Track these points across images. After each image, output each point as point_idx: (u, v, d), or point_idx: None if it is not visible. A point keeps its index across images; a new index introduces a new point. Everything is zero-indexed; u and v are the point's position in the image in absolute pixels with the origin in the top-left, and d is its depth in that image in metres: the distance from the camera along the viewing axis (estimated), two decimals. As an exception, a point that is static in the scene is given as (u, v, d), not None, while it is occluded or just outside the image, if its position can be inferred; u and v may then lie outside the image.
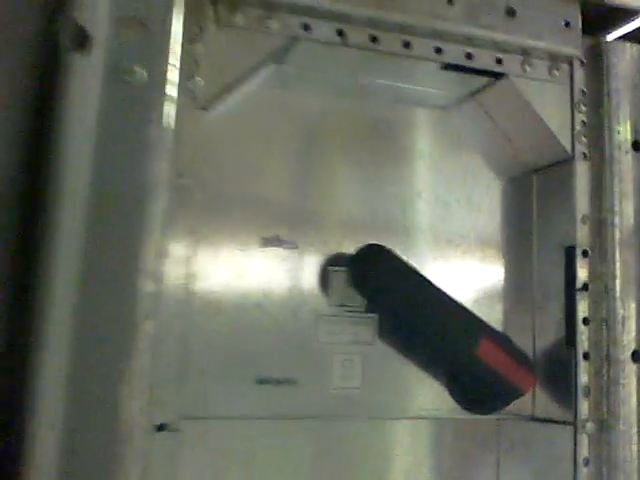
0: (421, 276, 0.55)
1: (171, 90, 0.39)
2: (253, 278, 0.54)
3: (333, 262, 0.56)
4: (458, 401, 0.57)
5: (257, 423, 0.52)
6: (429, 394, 0.58)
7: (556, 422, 0.57)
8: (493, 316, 0.60)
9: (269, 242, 0.54)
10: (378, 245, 0.55)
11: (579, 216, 0.56)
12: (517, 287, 0.62)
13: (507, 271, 0.63)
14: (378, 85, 0.57)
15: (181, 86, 0.40)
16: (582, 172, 0.57)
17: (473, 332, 0.54)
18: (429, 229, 0.60)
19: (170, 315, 0.42)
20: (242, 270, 0.53)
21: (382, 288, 0.54)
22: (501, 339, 0.55)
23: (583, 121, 0.57)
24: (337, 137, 0.58)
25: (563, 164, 0.58)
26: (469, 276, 0.61)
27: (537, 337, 0.61)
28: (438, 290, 0.55)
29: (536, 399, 0.61)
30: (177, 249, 0.44)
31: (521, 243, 0.62)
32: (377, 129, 0.59)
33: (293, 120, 0.56)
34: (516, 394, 0.55)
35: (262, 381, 0.53)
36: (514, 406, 0.58)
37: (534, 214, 0.62)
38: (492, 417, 0.59)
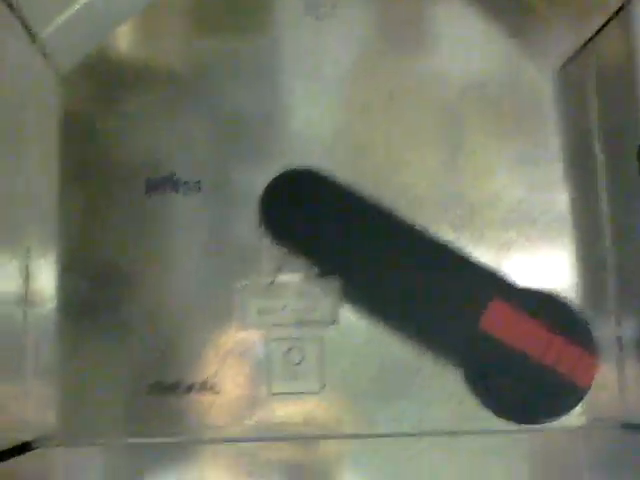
0: (382, 209, 0.35)
1: None
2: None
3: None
4: (484, 404, 0.36)
5: (146, 452, 0.35)
6: (443, 394, 0.37)
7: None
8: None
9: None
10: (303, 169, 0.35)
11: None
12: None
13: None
14: None
15: None
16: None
17: (475, 291, 0.33)
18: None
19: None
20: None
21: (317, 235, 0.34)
22: (529, 299, 0.34)
23: None
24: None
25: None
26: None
27: (619, 298, 0.38)
28: (414, 229, 0.35)
29: (627, 396, 0.38)
30: None
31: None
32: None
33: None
34: (570, 392, 0.33)
35: (158, 389, 0.35)
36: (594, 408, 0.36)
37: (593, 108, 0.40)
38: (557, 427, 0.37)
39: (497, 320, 0.32)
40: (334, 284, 0.36)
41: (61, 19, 0.37)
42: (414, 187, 0.38)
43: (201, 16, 0.40)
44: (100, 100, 0.38)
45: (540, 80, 0.40)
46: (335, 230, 0.34)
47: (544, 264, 0.38)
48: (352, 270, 0.35)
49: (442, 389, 0.36)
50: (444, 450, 0.37)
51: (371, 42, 0.40)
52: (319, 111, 0.39)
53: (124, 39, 0.39)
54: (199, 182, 0.37)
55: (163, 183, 0.37)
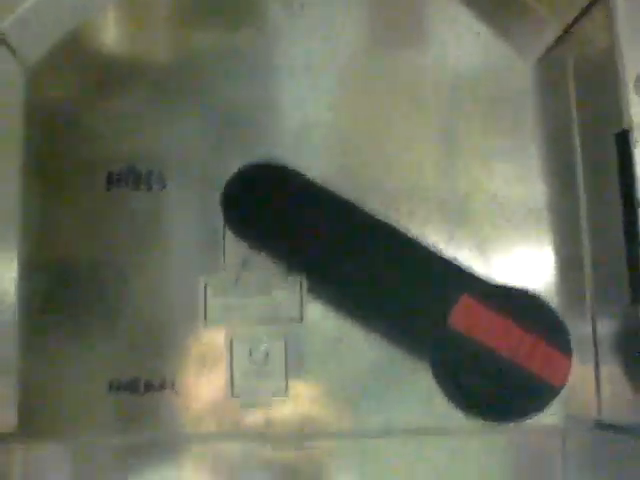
0: (348, 204, 0.34)
1: None
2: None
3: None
4: (455, 402, 0.35)
5: (107, 455, 0.34)
6: (413, 393, 0.36)
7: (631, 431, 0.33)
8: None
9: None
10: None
11: (630, 77, 0.33)
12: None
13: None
14: None
15: None
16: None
17: (443, 288, 0.32)
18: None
19: None
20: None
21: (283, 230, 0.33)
22: (500, 295, 0.33)
23: None
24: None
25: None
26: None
27: (596, 294, 0.37)
28: (382, 224, 0.34)
29: (602, 395, 0.37)
30: None
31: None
32: None
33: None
34: (543, 391, 0.32)
35: (118, 388, 0.34)
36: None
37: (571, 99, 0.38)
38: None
39: (466, 317, 0.31)
40: (300, 281, 0.35)
41: (21, 10, 0.36)
42: (387, 181, 0.37)
43: (177, 11, 0.38)
44: (69, 92, 0.37)
45: (519, 70, 0.39)
46: (300, 225, 0.33)
47: (520, 260, 0.37)
48: (319, 266, 0.34)
49: (412, 388, 0.36)
50: (415, 450, 0.36)
51: (345, 39, 0.39)
52: (294, 107, 0.37)
53: (90, 31, 0.38)
54: (163, 176, 0.36)
55: (125, 177, 0.36)
